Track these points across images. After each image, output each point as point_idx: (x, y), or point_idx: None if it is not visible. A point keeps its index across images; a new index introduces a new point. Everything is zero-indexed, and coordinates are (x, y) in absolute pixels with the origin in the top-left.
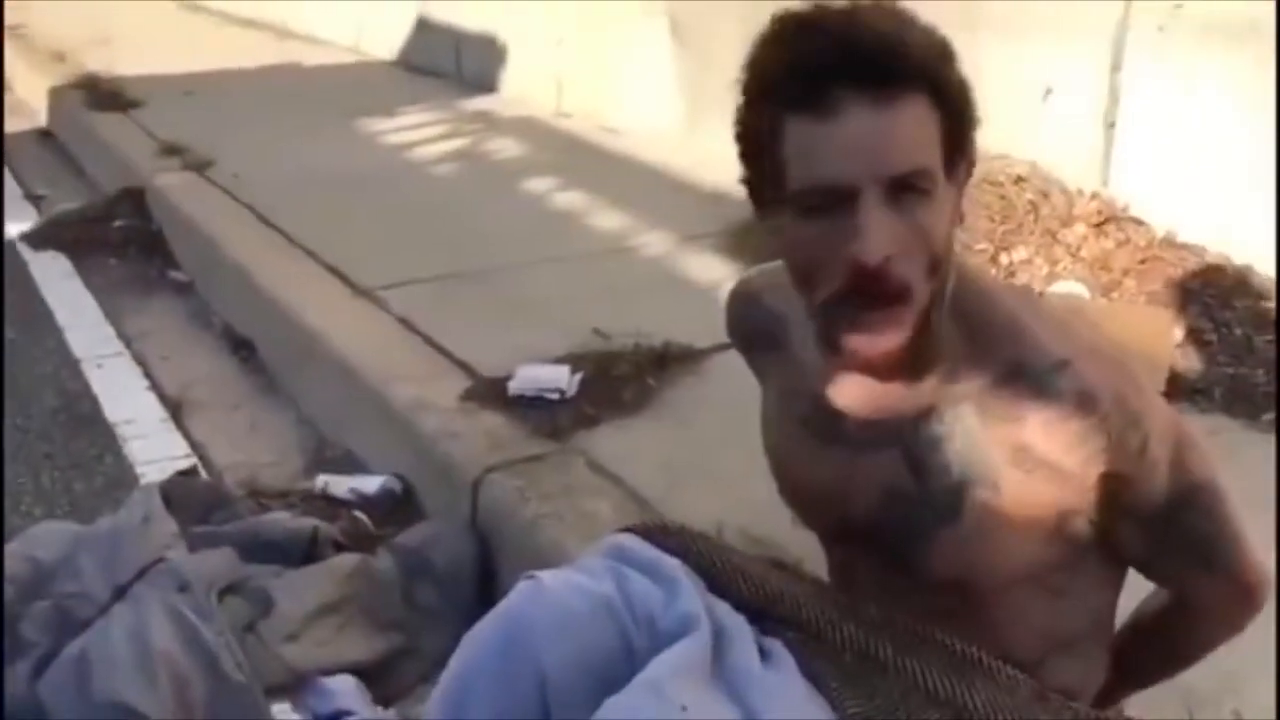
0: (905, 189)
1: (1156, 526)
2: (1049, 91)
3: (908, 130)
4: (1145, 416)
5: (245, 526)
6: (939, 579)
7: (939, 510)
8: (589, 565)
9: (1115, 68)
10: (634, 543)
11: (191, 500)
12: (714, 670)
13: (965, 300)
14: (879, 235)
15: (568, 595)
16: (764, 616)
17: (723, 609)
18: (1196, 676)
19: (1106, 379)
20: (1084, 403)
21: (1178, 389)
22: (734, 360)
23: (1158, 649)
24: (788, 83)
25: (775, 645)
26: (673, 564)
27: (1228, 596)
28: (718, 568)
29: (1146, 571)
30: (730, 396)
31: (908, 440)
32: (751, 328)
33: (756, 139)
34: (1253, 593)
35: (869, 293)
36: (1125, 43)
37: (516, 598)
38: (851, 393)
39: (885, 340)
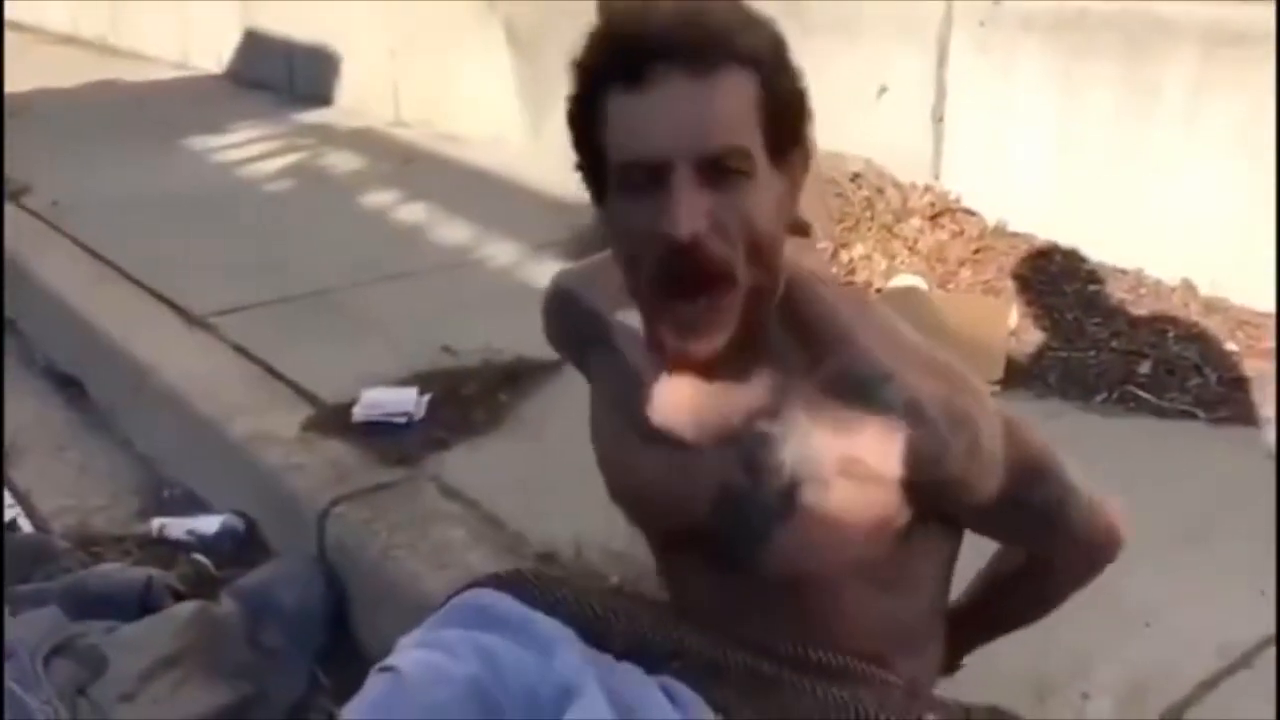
0: (723, 169)
1: (1002, 511)
2: (883, 89)
3: (724, 106)
4: (972, 418)
5: (73, 581)
6: (773, 578)
7: (773, 510)
8: (447, 640)
9: (942, 63)
10: (495, 599)
11: (13, 556)
12: None
13: (798, 303)
14: (689, 212)
15: (430, 687)
16: (646, 656)
17: (607, 660)
18: (1045, 662)
19: (933, 386)
20: (910, 414)
21: (1014, 375)
22: None
23: (1008, 609)
24: (607, 58)
25: (672, 683)
26: (542, 621)
27: (1085, 552)
28: (589, 615)
29: (995, 539)
30: (584, 409)
31: (741, 440)
32: (571, 326)
33: (583, 120)
34: (1108, 542)
35: (683, 273)
36: (950, 39)
37: (374, 695)
38: (681, 392)
39: (708, 336)
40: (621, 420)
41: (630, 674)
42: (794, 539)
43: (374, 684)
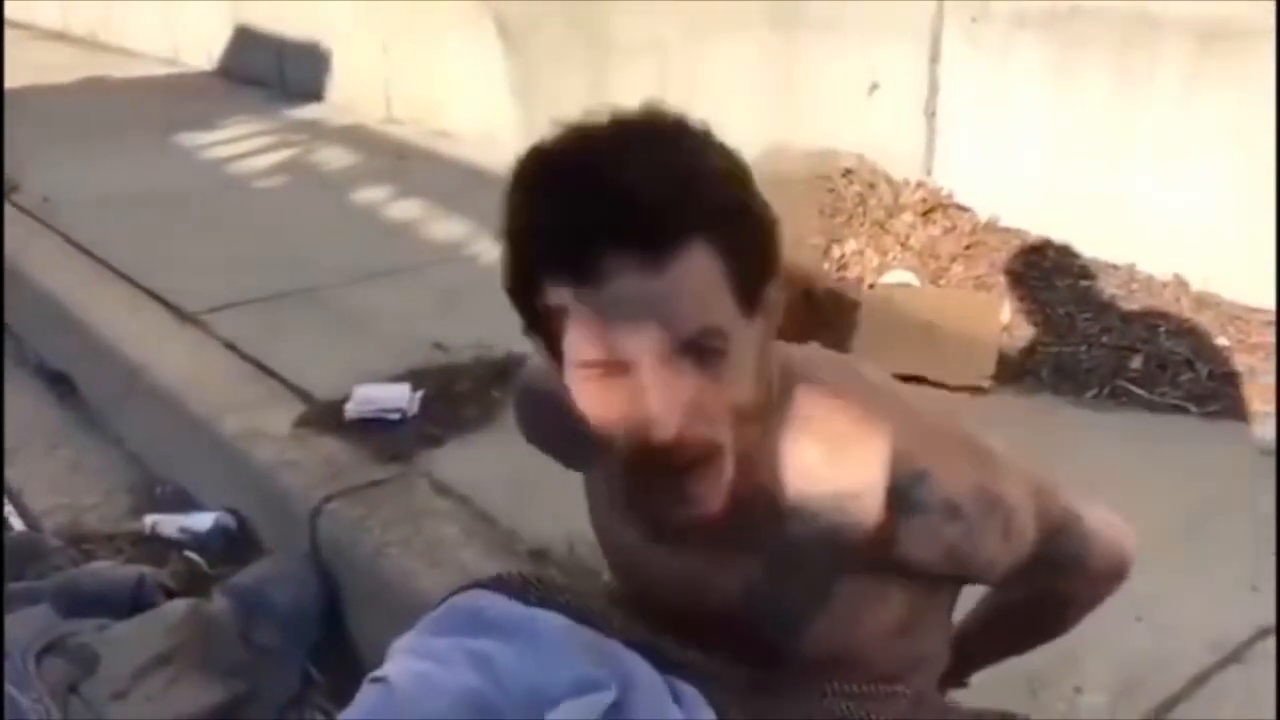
0: (695, 349)
1: (1027, 570)
2: (875, 86)
3: (688, 292)
4: (1004, 500)
5: (65, 579)
6: (804, 660)
7: (804, 605)
8: (439, 649)
9: (934, 59)
10: (490, 601)
11: (5, 555)
12: None
13: (803, 404)
14: (666, 410)
15: (421, 700)
16: (647, 656)
17: (626, 655)
18: (1038, 658)
19: (964, 478)
20: (950, 512)
21: (1006, 370)
22: None
23: (1020, 633)
24: (549, 246)
25: (681, 686)
26: (541, 619)
27: (1096, 584)
28: (589, 614)
29: (1013, 587)
30: None
31: (758, 544)
32: (550, 430)
33: (524, 298)
34: (1120, 572)
35: (664, 461)
36: (942, 35)
37: (365, 707)
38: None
39: (698, 506)
40: (620, 518)
41: (635, 661)
42: (829, 628)
43: (365, 695)
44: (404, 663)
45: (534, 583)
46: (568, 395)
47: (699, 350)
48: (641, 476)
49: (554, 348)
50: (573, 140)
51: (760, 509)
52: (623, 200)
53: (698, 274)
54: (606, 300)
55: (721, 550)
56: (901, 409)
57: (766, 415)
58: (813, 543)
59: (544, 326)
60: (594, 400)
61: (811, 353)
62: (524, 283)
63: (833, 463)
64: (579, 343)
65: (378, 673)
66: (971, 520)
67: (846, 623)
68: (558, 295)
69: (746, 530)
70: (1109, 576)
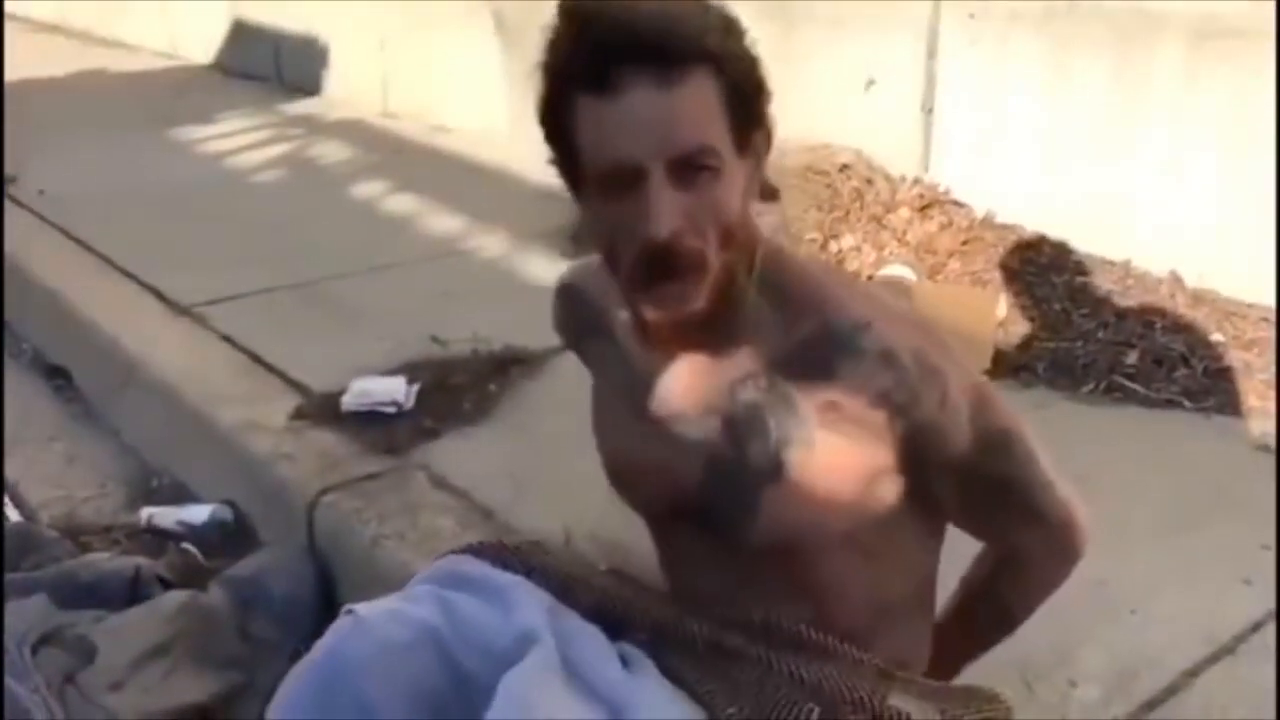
0: (693, 166)
1: (967, 475)
2: (871, 82)
3: (692, 109)
4: (943, 371)
5: (62, 570)
6: (763, 545)
7: (759, 474)
8: (413, 594)
9: (931, 55)
10: (468, 564)
11: (2, 547)
12: (570, 680)
13: (773, 272)
14: (666, 213)
15: (387, 627)
16: (615, 624)
17: (572, 619)
18: (1032, 650)
19: (906, 337)
20: (886, 359)
21: (1002, 365)
22: (574, 361)
23: (988, 614)
24: (574, 63)
25: (630, 650)
26: (509, 580)
27: (1047, 544)
28: (562, 580)
29: (965, 523)
30: (572, 398)
31: (725, 408)
32: (576, 319)
33: (554, 121)
34: (1070, 537)
35: (661, 265)
36: (939, 31)
37: (333, 636)
38: (667, 369)
39: (683, 306)
40: (619, 403)
41: (590, 634)
42: (782, 502)
43: (336, 624)
44: (379, 601)
45: (511, 549)
46: (592, 282)
47: (696, 168)
48: (641, 282)
49: (575, 175)
50: None
51: (731, 335)
52: (640, 24)
53: (701, 96)
54: (623, 109)
55: (693, 422)
56: (865, 290)
57: (743, 267)
58: (766, 400)
59: (567, 149)
60: (606, 209)
61: (771, 226)
62: (553, 105)
63: (791, 308)
64: (596, 149)
65: (350, 607)
66: (907, 373)
67: (800, 501)
68: (584, 111)
69: (717, 348)
70: (1060, 534)
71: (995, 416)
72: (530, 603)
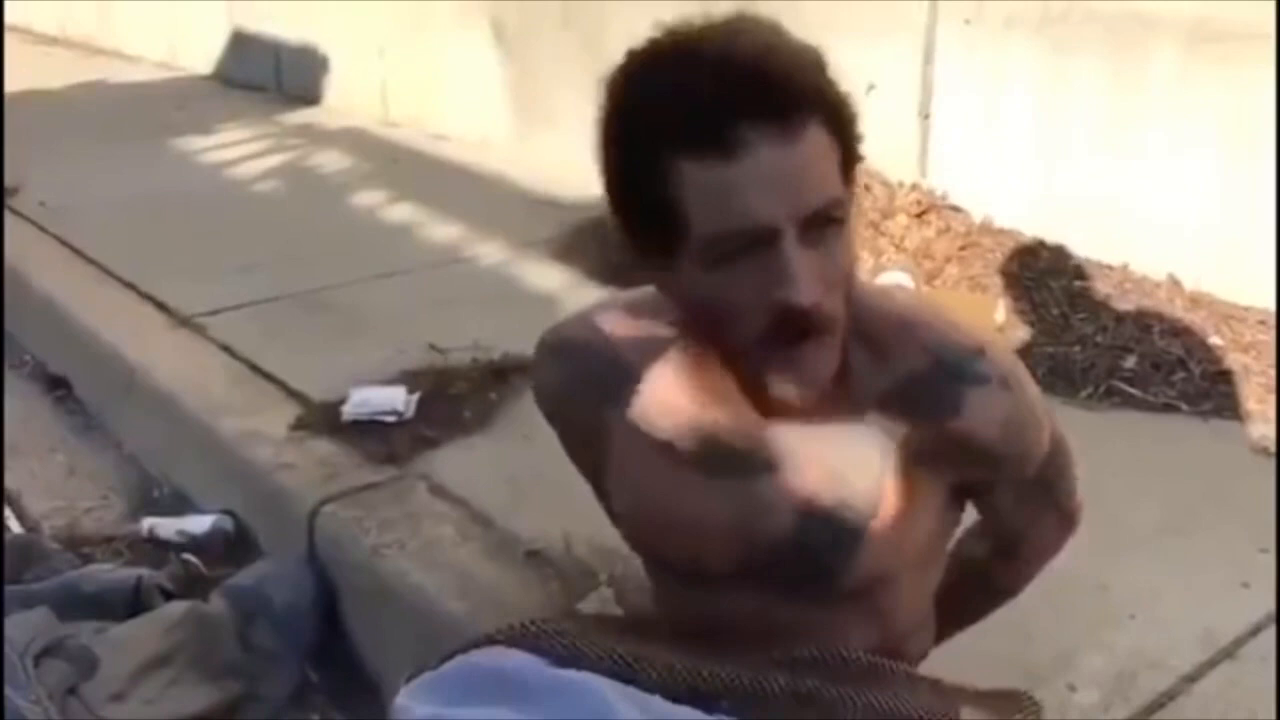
0: (821, 222)
1: (1028, 483)
2: (871, 87)
3: (816, 161)
4: (1037, 389)
5: (63, 582)
6: (854, 584)
7: (859, 521)
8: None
9: (928, 61)
10: (515, 661)
11: (3, 558)
12: None
13: (863, 308)
14: (809, 278)
15: None
16: (683, 696)
17: (657, 703)
18: (1031, 654)
19: (1009, 355)
20: (1003, 383)
21: None
22: None
23: (985, 590)
24: (681, 123)
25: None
26: (575, 680)
27: (1058, 529)
28: (616, 665)
29: (990, 513)
30: None
31: (828, 458)
32: (598, 380)
33: (637, 186)
34: (1074, 520)
35: (798, 332)
36: (935, 37)
37: None
38: (762, 420)
39: (818, 374)
40: (669, 463)
41: (685, 713)
42: (878, 545)
43: None
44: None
45: (557, 634)
46: (605, 340)
47: (824, 221)
48: (772, 343)
49: (665, 243)
50: (688, 30)
51: (846, 386)
52: (757, 75)
53: (821, 146)
54: (747, 170)
55: (786, 472)
56: (935, 307)
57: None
58: (883, 421)
59: (660, 215)
60: (724, 277)
61: None
62: (642, 168)
63: (901, 340)
64: (714, 214)
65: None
66: (1022, 390)
67: (894, 536)
68: (695, 173)
69: (835, 407)
70: (1066, 526)
71: (1053, 423)
72: (608, 698)
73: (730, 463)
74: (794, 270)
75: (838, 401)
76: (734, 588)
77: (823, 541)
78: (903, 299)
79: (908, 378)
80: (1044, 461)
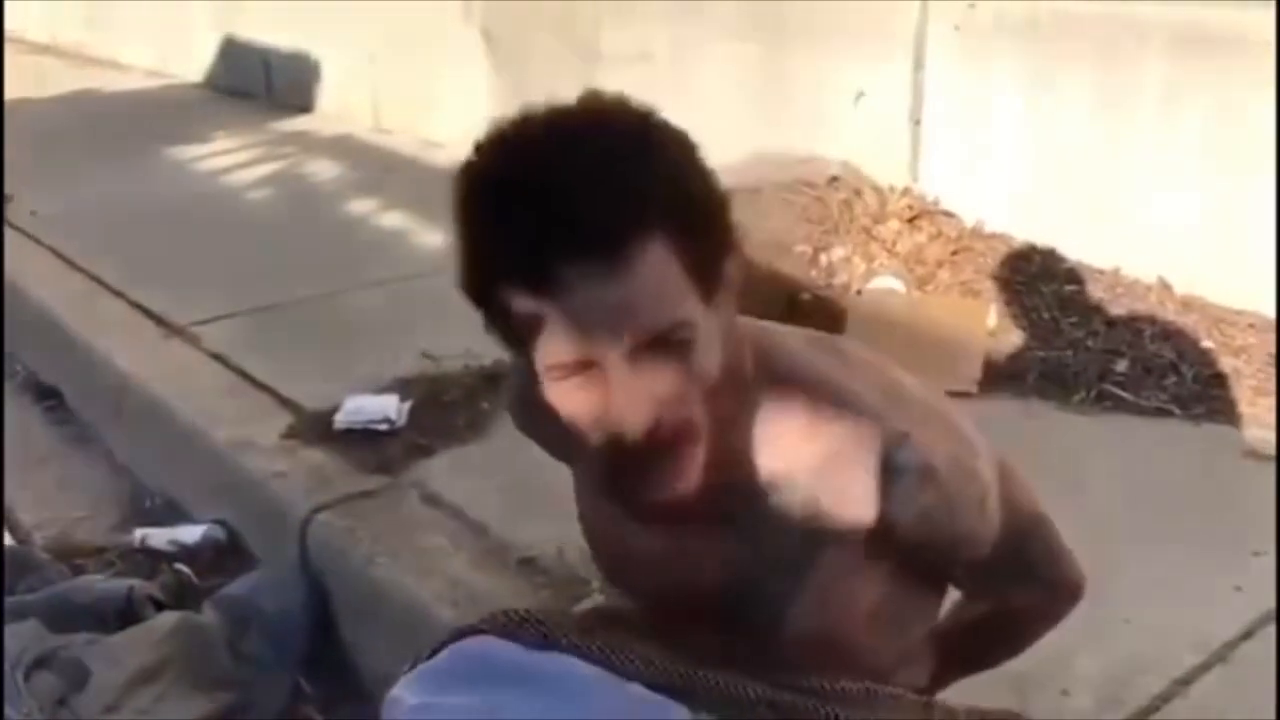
0: (661, 343)
1: (992, 564)
2: (861, 94)
3: (651, 289)
4: (980, 475)
5: (54, 593)
6: (791, 637)
7: (785, 576)
8: (461, 709)
9: (918, 66)
10: (501, 648)
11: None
12: None
13: (778, 376)
14: (635, 405)
15: None
16: (670, 691)
17: (638, 690)
18: (1026, 662)
19: (942, 444)
20: (926, 476)
21: (992, 375)
22: None
23: (986, 648)
24: (502, 256)
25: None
26: (560, 663)
27: (1051, 603)
28: (599, 656)
29: (977, 595)
30: None
31: (740, 518)
32: (538, 423)
33: (484, 302)
34: (1075, 594)
35: (639, 455)
36: (925, 42)
37: None
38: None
39: (678, 482)
40: (604, 498)
41: (666, 708)
42: (807, 608)
43: None
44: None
45: (539, 623)
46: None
47: (665, 343)
48: (617, 464)
49: (516, 344)
50: (512, 150)
51: (739, 483)
52: (574, 212)
53: (657, 271)
54: (570, 308)
55: (703, 528)
56: (878, 377)
57: (742, 390)
58: (792, 513)
59: (505, 328)
60: (565, 399)
61: (789, 330)
62: (483, 291)
63: (810, 433)
64: (547, 347)
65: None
66: (947, 486)
67: (828, 603)
68: (520, 303)
69: (726, 505)
70: (1064, 600)
71: (1022, 501)
72: (593, 692)
73: (654, 515)
74: (616, 400)
75: (755, 462)
76: (696, 620)
77: (747, 596)
78: (822, 362)
79: (826, 454)
80: (1010, 543)
